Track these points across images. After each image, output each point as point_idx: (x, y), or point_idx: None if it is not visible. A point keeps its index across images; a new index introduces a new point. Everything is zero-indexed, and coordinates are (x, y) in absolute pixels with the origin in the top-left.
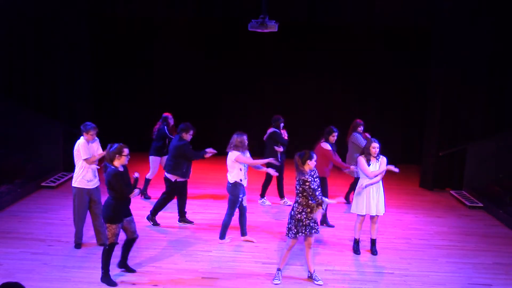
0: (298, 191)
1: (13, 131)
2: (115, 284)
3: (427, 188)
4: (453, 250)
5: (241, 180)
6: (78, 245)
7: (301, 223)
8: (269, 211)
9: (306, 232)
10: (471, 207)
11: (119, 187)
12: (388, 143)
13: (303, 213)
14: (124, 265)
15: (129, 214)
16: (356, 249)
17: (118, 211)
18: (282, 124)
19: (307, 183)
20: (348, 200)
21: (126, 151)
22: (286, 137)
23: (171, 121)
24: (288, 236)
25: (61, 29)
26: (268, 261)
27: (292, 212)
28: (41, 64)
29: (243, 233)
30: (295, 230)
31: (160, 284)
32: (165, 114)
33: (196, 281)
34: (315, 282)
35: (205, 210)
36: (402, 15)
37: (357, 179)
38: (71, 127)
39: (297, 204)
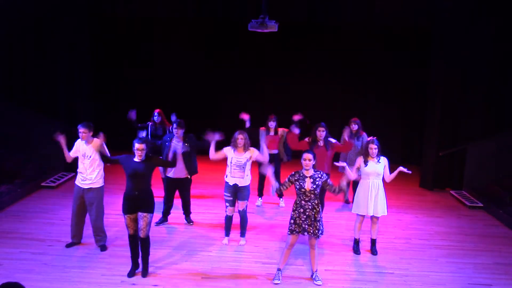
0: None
1: (13, 131)
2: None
3: (427, 188)
4: (453, 250)
5: (226, 176)
6: (69, 244)
7: (292, 221)
8: (268, 212)
9: (299, 231)
10: (471, 207)
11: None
12: (388, 143)
13: (296, 211)
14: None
15: (135, 210)
16: (356, 249)
17: (123, 201)
18: (272, 123)
19: (291, 177)
20: (347, 201)
21: (136, 145)
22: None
23: (155, 118)
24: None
25: (61, 29)
26: (268, 261)
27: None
28: (41, 64)
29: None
30: (289, 227)
31: (160, 284)
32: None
33: (196, 281)
34: (314, 282)
35: (205, 210)
36: (402, 15)
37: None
38: (71, 127)
39: (294, 203)
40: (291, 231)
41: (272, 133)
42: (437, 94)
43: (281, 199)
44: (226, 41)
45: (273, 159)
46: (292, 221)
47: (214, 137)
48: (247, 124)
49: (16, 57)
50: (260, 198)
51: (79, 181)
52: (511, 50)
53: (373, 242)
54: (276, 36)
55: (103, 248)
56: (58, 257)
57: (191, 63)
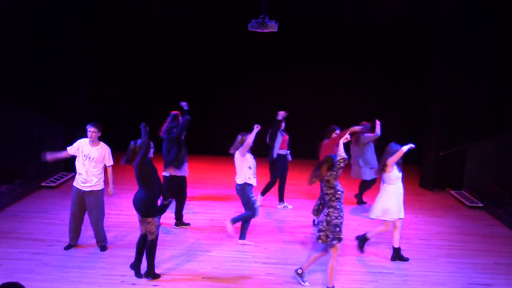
0: (330, 196)
1: (13, 131)
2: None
3: (427, 188)
4: (453, 250)
5: (249, 179)
6: (68, 246)
7: (338, 228)
8: (269, 213)
9: (340, 238)
10: (471, 207)
11: None
12: (388, 143)
13: (340, 217)
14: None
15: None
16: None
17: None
18: (283, 124)
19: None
20: (361, 200)
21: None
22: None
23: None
24: (328, 243)
25: (61, 29)
26: (268, 261)
27: (328, 218)
28: (41, 64)
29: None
30: (340, 236)
31: (160, 284)
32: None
33: (196, 281)
34: (301, 280)
35: (205, 210)
36: (402, 15)
37: (364, 182)
38: (71, 127)
39: (332, 209)
40: (335, 240)
41: (283, 133)
42: (437, 94)
43: (283, 203)
44: (226, 41)
45: (281, 158)
46: (337, 229)
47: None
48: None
49: (16, 57)
50: (261, 196)
51: (79, 183)
52: (511, 50)
53: (397, 251)
54: (276, 36)
55: (103, 248)
56: (58, 257)
57: (191, 63)
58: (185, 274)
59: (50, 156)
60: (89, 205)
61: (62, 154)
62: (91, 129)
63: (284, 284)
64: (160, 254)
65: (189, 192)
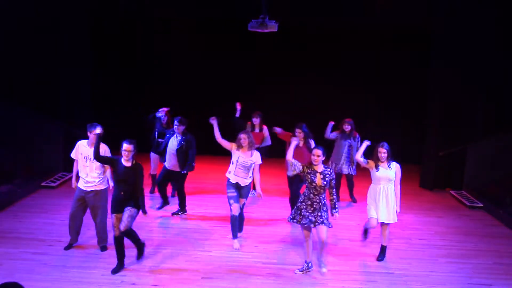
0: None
1: (13, 131)
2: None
3: (427, 188)
4: (453, 250)
5: (229, 173)
6: (68, 246)
7: (298, 211)
8: (269, 212)
9: (299, 220)
10: (471, 207)
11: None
12: (388, 143)
13: (304, 203)
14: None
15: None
16: (364, 235)
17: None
18: (256, 120)
19: (305, 168)
20: (354, 199)
21: (124, 146)
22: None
23: (162, 117)
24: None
25: (61, 28)
26: (268, 261)
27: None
28: (41, 64)
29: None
30: (292, 214)
31: (160, 284)
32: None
33: (196, 281)
34: (321, 269)
35: (205, 210)
36: (402, 15)
37: (349, 176)
38: (71, 127)
39: (302, 194)
40: (292, 219)
41: (256, 129)
42: (437, 94)
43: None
44: (226, 41)
45: None
46: (298, 211)
47: (213, 121)
48: (237, 114)
49: (16, 57)
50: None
51: (82, 184)
52: (511, 50)
53: (383, 248)
54: (276, 36)
55: (103, 248)
56: (58, 257)
57: (191, 63)
58: (185, 274)
59: (75, 179)
60: (92, 205)
61: (75, 168)
62: (90, 129)
63: (284, 284)
64: (160, 254)
65: (190, 190)
